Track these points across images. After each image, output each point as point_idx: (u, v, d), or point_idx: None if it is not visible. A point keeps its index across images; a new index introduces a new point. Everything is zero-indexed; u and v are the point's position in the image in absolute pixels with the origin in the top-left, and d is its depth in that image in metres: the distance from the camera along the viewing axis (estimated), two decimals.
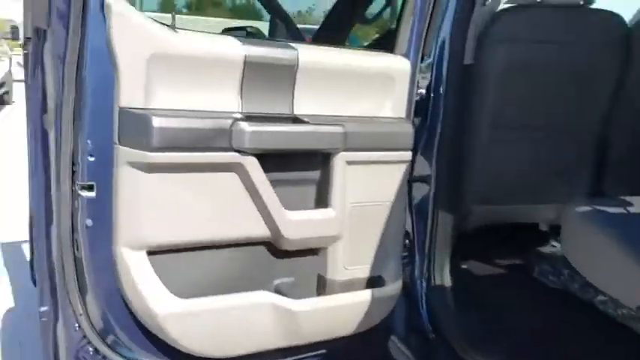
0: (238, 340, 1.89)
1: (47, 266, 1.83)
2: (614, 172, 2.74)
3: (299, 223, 1.94)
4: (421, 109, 2.39)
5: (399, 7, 2.28)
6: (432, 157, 2.41)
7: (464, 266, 2.79)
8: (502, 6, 2.70)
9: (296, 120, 1.92)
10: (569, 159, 2.72)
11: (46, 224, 1.81)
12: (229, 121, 1.75)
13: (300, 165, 1.97)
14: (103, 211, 1.70)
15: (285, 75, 1.89)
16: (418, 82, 2.35)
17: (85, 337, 1.80)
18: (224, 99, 1.81)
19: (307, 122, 1.90)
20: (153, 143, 1.65)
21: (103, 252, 1.72)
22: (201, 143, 1.72)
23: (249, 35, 3.81)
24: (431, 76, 2.39)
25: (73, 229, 1.73)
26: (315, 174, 2.00)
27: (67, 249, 1.72)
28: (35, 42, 1.69)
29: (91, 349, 1.82)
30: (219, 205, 1.81)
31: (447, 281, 2.47)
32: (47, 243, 1.83)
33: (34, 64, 1.71)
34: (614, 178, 2.74)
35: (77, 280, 1.76)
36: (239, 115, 1.81)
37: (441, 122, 2.38)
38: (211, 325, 1.84)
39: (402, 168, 2.15)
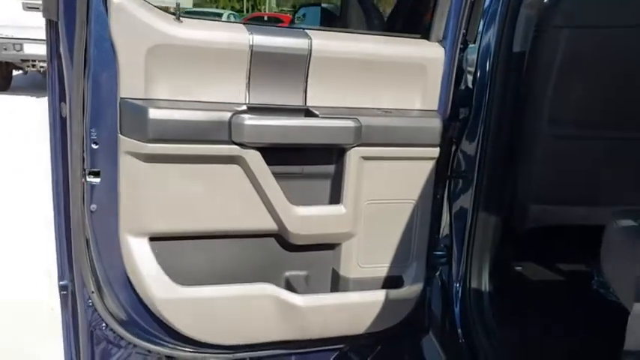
0: (236, 329, 1.90)
1: (66, 244, 1.93)
2: None
3: (306, 219, 1.89)
4: (465, 99, 2.21)
5: None
6: (475, 151, 2.23)
7: (512, 270, 2.59)
8: None
9: (308, 113, 1.86)
10: None
11: (65, 205, 1.91)
12: (228, 114, 1.73)
13: (311, 159, 1.91)
14: (108, 197, 1.76)
15: (297, 65, 1.82)
16: (462, 71, 2.18)
17: (97, 312, 1.89)
18: (229, 90, 1.78)
19: (317, 115, 1.83)
20: (148, 134, 1.67)
21: (107, 236, 1.79)
22: (199, 135, 1.71)
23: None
24: (475, 64, 2.20)
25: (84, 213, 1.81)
26: (327, 169, 1.93)
27: (78, 230, 1.81)
28: (49, 32, 1.76)
29: (103, 324, 1.91)
30: (220, 196, 1.80)
31: (486, 285, 2.30)
32: (66, 222, 1.93)
33: (51, 53, 1.79)
34: None
35: (89, 260, 1.84)
36: (244, 107, 1.77)
37: (486, 115, 2.19)
38: (209, 313, 1.86)
39: (428, 165, 2.01)
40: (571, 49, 2.21)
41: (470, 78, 2.27)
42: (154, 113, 1.66)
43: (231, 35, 1.75)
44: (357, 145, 1.87)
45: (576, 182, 2.43)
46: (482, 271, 2.31)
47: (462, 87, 2.21)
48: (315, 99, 1.87)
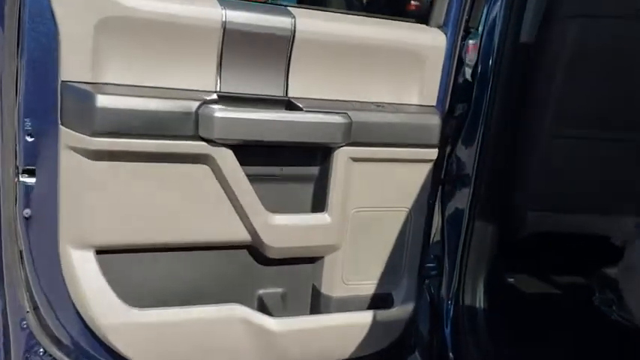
0: (201, 359, 1.62)
1: None
2: None
3: (284, 229, 1.62)
4: (464, 94, 1.96)
5: None
6: (473, 153, 1.99)
7: (506, 284, 2.37)
8: None
9: (290, 105, 1.58)
10: None
11: None
12: (195, 104, 1.44)
13: (292, 160, 1.63)
14: (45, 201, 1.45)
15: (278, 48, 1.54)
16: (461, 62, 1.93)
17: (32, 334, 1.59)
18: (197, 75, 1.50)
19: (300, 109, 1.56)
20: (96, 126, 1.37)
21: (45, 247, 1.48)
22: (158, 129, 1.42)
23: None
24: (477, 54, 1.95)
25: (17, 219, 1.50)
26: (310, 171, 1.66)
27: (10, 240, 1.50)
28: None
29: (41, 349, 1.61)
30: (183, 202, 1.51)
31: (480, 301, 2.07)
32: None
33: None
34: None
35: (23, 274, 1.54)
36: (214, 96, 1.49)
37: (487, 112, 1.94)
38: (167, 339, 1.57)
39: (425, 168, 1.76)
40: (582, 40, 1.97)
41: (468, 70, 2.02)
42: (102, 101, 1.36)
43: (201, 9, 1.46)
44: (346, 145, 1.61)
45: (583, 187, 2.21)
46: (477, 286, 2.08)
47: (460, 80, 1.96)
48: (298, 89, 1.59)
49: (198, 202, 1.52)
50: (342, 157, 1.62)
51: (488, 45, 1.91)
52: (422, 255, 1.87)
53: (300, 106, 1.56)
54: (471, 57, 1.99)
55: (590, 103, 2.06)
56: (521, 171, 2.10)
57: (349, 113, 1.59)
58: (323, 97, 1.63)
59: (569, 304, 2.31)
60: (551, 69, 2.01)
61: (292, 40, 1.54)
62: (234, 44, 1.50)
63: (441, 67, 1.75)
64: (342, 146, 1.61)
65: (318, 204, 1.66)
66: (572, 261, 2.44)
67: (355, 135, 1.60)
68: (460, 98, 1.95)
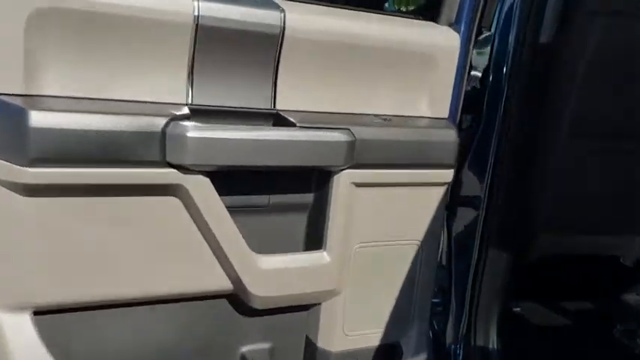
0: None
1: None
2: None
3: (273, 274, 1.31)
4: (472, 104, 1.70)
5: None
6: (486, 171, 1.72)
7: (520, 318, 2.10)
8: None
9: (279, 119, 1.28)
10: None
11: None
12: (161, 121, 1.12)
13: (282, 187, 1.33)
14: None
15: (263, 48, 1.24)
16: (471, 66, 1.67)
17: None
18: (163, 84, 1.18)
19: (293, 124, 1.25)
20: (31, 152, 1.03)
21: None
22: (114, 154, 1.09)
23: None
24: (490, 57, 1.69)
25: None
26: (304, 200, 1.36)
27: None
28: None
29: None
30: (147, 246, 1.19)
31: (494, 342, 1.80)
32: None
33: None
34: None
35: None
36: (184, 111, 1.17)
37: (501, 124, 1.69)
38: None
39: (439, 192, 1.48)
40: (605, 40, 1.73)
41: (476, 76, 1.76)
42: (38, 118, 1.03)
43: (167, 0, 1.14)
44: (348, 168, 1.31)
45: (593, 206, 1.97)
46: (490, 324, 1.81)
47: (469, 87, 1.70)
48: (288, 100, 1.29)
49: (166, 245, 1.20)
50: (343, 182, 1.32)
51: (502, 47, 1.65)
52: (433, 294, 1.58)
53: (293, 120, 1.26)
54: (480, 61, 1.73)
55: (611, 112, 1.81)
56: (538, 190, 1.84)
57: (352, 129, 1.29)
58: (318, 110, 1.33)
59: (588, 337, 2.05)
60: (568, 73, 1.76)
61: (281, 39, 1.24)
62: (210, 44, 1.18)
63: (454, 73, 1.47)
64: (343, 169, 1.31)
65: (315, 240, 1.36)
66: (590, 288, 2.20)
67: (359, 155, 1.31)
68: (468, 109, 1.69)
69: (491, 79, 1.68)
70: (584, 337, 2.05)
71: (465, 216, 1.79)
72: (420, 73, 1.43)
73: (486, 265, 1.76)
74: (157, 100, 1.17)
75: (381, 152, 1.34)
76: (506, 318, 1.86)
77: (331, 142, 1.27)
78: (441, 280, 1.82)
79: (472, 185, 1.75)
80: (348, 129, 1.29)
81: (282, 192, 1.33)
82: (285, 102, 1.29)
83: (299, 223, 1.37)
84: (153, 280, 1.21)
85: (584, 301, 2.21)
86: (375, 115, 1.39)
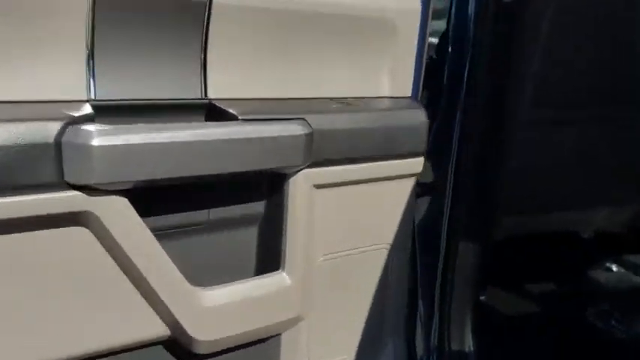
0: None
1: None
2: None
3: (219, 310, 1.02)
4: (431, 77, 1.47)
5: None
6: (450, 154, 1.51)
7: (490, 306, 1.91)
8: None
9: (213, 112, 0.99)
10: None
11: None
12: (55, 127, 0.80)
13: (224, 198, 1.04)
14: None
15: (186, 20, 0.94)
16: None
17: None
18: (51, 73, 0.86)
19: (235, 117, 0.97)
20: None
21: None
22: None
23: None
24: (448, 21, 1.46)
25: None
26: (254, 211, 1.08)
27: None
28: None
29: None
30: (55, 294, 0.87)
31: (470, 346, 1.61)
32: None
33: None
34: None
35: None
36: (84, 110, 0.86)
37: (465, 97, 1.47)
38: None
39: (408, 186, 1.24)
40: None
41: (432, 45, 1.53)
42: None
43: None
44: (306, 167, 1.04)
45: (556, 181, 1.80)
46: (465, 325, 1.61)
47: (429, 58, 1.47)
48: (222, 85, 1.00)
49: (81, 291, 0.89)
50: (300, 184, 1.05)
51: (462, 9, 1.43)
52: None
53: (232, 112, 0.97)
54: (436, 26, 1.50)
55: (576, 74, 1.64)
56: (503, 166, 1.65)
57: (307, 118, 1.03)
58: (262, 96, 1.05)
59: (562, 325, 1.90)
60: (530, 35, 1.56)
61: (209, 6, 0.94)
62: (115, 15, 0.88)
63: (415, 43, 1.23)
64: (300, 169, 1.04)
65: (270, 259, 1.09)
66: (559, 269, 2.05)
67: (318, 151, 1.05)
68: (427, 83, 1.46)
69: (450, 49, 1.46)
70: (559, 326, 1.88)
71: (428, 207, 1.57)
72: (378, 43, 1.17)
73: (457, 256, 1.56)
74: (46, 98, 0.86)
75: (344, 144, 1.09)
76: (479, 313, 1.67)
77: (285, 137, 1.00)
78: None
79: (435, 171, 1.53)
80: (304, 119, 1.02)
81: (225, 203, 1.04)
82: (220, 89, 1.00)
83: (249, 240, 1.09)
84: (70, 337, 0.90)
85: (554, 283, 2.06)
86: (331, 99, 1.13)
